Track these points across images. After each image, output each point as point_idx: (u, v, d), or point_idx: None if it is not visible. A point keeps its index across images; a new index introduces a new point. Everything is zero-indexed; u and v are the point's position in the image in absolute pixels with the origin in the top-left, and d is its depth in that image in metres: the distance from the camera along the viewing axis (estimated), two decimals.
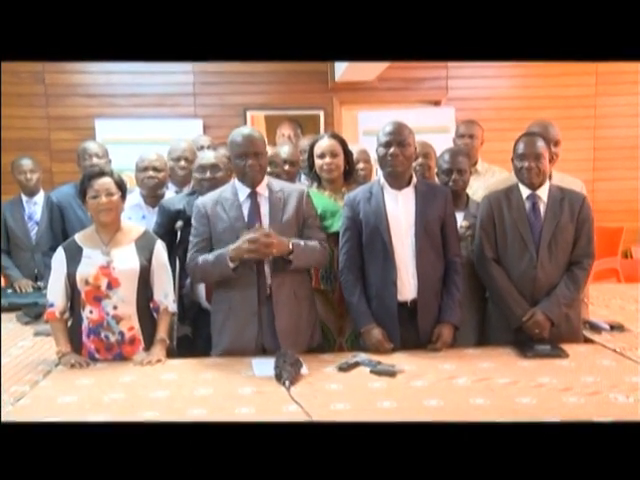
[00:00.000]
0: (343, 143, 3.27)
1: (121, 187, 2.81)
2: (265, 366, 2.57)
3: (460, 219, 3.07)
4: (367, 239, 2.89)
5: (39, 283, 4.16)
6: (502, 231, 2.96)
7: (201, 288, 3.20)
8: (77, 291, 2.77)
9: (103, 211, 2.76)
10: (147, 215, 3.63)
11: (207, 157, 3.32)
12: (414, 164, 3.12)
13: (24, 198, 4.56)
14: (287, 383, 2.40)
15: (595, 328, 3.20)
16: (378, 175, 3.17)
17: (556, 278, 2.90)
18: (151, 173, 3.64)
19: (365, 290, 2.90)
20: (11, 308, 3.82)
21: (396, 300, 2.84)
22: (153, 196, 3.66)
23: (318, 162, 3.24)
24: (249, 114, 6.56)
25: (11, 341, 3.19)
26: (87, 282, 2.74)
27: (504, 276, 2.93)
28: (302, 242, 2.79)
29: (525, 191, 2.95)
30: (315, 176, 3.32)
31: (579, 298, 3.01)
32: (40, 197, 4.56)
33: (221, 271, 2.73)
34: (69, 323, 2.84)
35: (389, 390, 2.40)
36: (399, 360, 2.69)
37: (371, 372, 2.58)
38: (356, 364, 2.65)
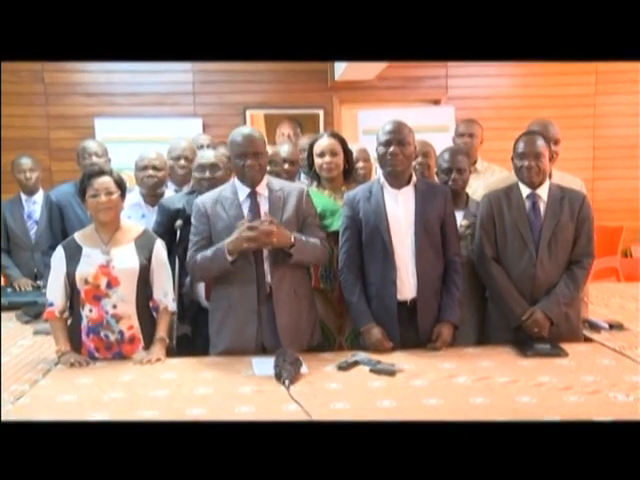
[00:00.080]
0: (343, 142, 3.27)
1: (120, 186, 2.81)
2: (265, 365, 2.57)
3: (460, 218, 3.07)
4: (367, 238, 2.89)
5: (39, 282, 4.15)
6: (502, 230, 2.96)
7: (201, 287, 3.20)
8: (77, 290, 2.77)
9: (102, 210, 2.76)
10: (147, 214, 3.63)
11: (207, 157, 3.32)
12: (414, 163, 3.12)
13: (23, 197, 4.56)
14: (287, 382, 2.40)
15: (594, 327, 3.20)
16: (378, 174, 3.18)
17: (556, 277, 2.90)
18: (151, 172, 3.63)
19: (365, 289, 2.90)
20: (11, 307, 3.82)
21: (396, 299, 2.84)
22: (153, 195, 3.66)
23: (318, 161, 3.24)
24: (249, 113, 6.56)
25: (11, 340, 3.19)
26: (87, 281, 2.74)
27: (504, 275, 2.93)
28: (304, 237, 2.79)
29: (525, 190, 2.95)
30: (315, 175, 3.32)
31: (579, 297, 3.01)
32: (39, 196, 4.56)
33: (219, 265, 2.73)
34: (69, 322, 2.84)
35: (389, 389, 2.40)
36: (399, 359, 2.69)
37: (371, 371, 2.58)
38: (356, 363, 2.66)
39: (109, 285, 2.75)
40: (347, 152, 3.27)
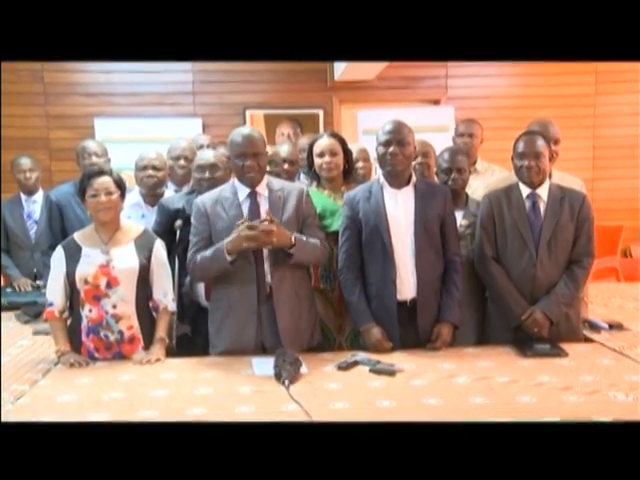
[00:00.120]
0: (342, 142, 3.27)
1: (120, 186, 2.81)
2: (265, 365, 2.57)
3: (459, 218, 3.07)
4: (366, 238, 2.89)
5: (38, 282, 4.15)
6: (502, 230, 2.96)
7: (200, 287, 3.20)
8: (76, 290, 2.76)
9: (102, 210, 2.76)
10: (146, 214, 3.63)
11: (206, 157, 3.31)
12: (413, 163, 3.12)
13: (23, 197, 4.56)
14: (286, 382, 2.40)
15: (594, 327, 3.20)
16: (377, 174, 3.18)
17: (555, 277, 2.90)
18: (150, 172, 3.63)
19: (364, 289, 2.90)
20: (10, 307, 3.82)
21: (395, 299, 2.84)
22: (152, 195, 3.66)
23: (317, 161, 3.24)
24: (248, 113, 6.56)
25: (10, 340, 3.18)
26: (86, 281, 2.74)
27: (504, 275, 2.93)
28: (304, 237, 2.78)
29: (525, 190, 2.95)
30: (314, 175, 3.32)
31: (579, 297, 3.01)
32: (39, 196, 4.56)
33: (219, 265, 2.73)
34: (68, 322, 2.84)
35: (388, 389, 2.40)
36: (398, 359, 2.69)
37: (370, 371, 2.58)
38: (355, 363, 2.66)
39: (109, 285, 2.75)
40: (347, 152, 3.27)
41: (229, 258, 2.68)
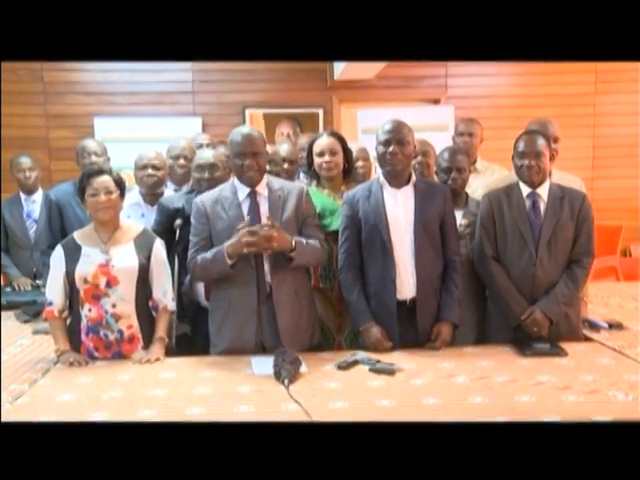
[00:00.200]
0: (342, 141, 3.26)
1: (120, 185, 2.81)
2: (264, 364, 2.57)
3: (459, 217, 3.07)
4: (366, 237, 2.89)
5: (38, 281, 4.15)
6: (502, 229, 2.96)
7: (200, 286, 3.20)
8: (76, 289, 2.76)
9: (102, 209, 2.75)
10: (146, 213, 3.63)
11: (205, 157, 3.31)
12: (413, 162, 3.12)
13: (23, 196, 4.55)
14: (286, 381, 2.39)
15: (594, 326, 3.20)
16: (377, 173, 3.17)
17: (555, 276, 2.90)
18: (150, 171, 3.63)
19: (364, 288, 2.90)
20: (10, 306, 3.82)
21: (395, 298, 2.84)
22: (152, 194, 3.66)
23: (317, 160, 3.24)
24: (248, 112, 6.55)
25: (10, 339, 3.18)
26: (86, 280, 2.74)
27: (503, 274, 2.93)
28: (304, 240, 2.78)
29: (525, 189, 2.95)
30: (314, 174, 3.32)
31: (578, 297, 3.01)
32: (39, 195, 4.55)
33: (220, 268, 2.73)
34: (68, 321, 2.84)
35: (388, 388, 2.40)
36: (398, 358, 2.69)
37: (370, 370, 2.58)
38: (355, 362, 2.66)
39: (108, 284, 2.75)
40: (346, 151, 3.27)
41: (229, 262, 2.69)
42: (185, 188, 3.69)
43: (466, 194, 3.25)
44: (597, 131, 6.82)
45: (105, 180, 2.76)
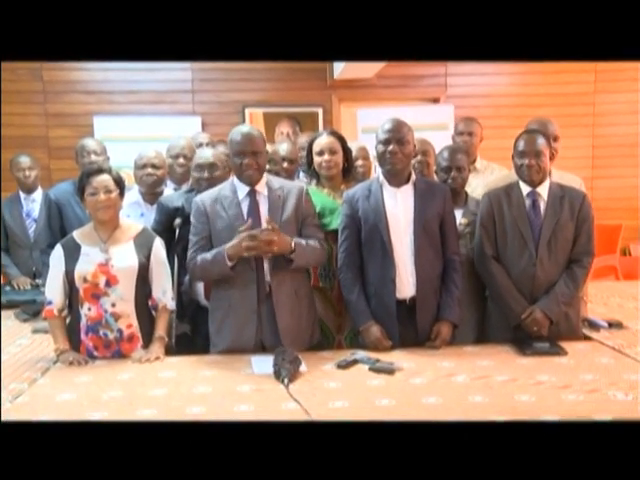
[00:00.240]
0: (342, 140, 3.26)
1: (119, 184, 2.81)
2: (264, 364, 2.57)
3: (459, 217, 3.07)
4: (366, 237, 2.89)
5: (37, 280, 4.15)
6: (502, 229, 2.96)
7: (200, 286, 3.20)
8: (75, 289, 2.76)
9: (101, 208, 2.75)
10: (146, 212, 3.63)
11: (205, 157, 3.30)
12: (413, 161, 3.11)
13: (22, 195, 4.55)
14: (286, 381, 2.39)
15: (593, 326, 3.20)
16: (377, 172, 3.17)
17: (555, 276, 2.90)
18: (150, 170, 3.63)
19: (364, 288, 2.90)
20: (9, 305, 3.82)
21: (395, 298, 2.84)
22: (152, 193, 3.66)
23: (317, 159, 3.23)
24: (247, 111, 6.55)
25: (9, 339, 3.18)
26: (85, 280, 2.74)
27: (503, 274, 2.93)
28: (303, 241, 2.78)
29: (525, 188, 2.95)
30: (314, 173, 3.32)
31: (578, 296, 3.01)
32: (38, 194, 4.55)
33: (220, 269, 2.73)
34: (67, 321, 2.84)
35: (388, 388, 2.40)
36: (398, 358, 2.69)
37: (370, 370, 2.58)
38: (355, 362, 2.65)
39: (108, 283, 2.75)
40: (346, 150, 3.27)
41: (229, 264, 2.69)
42: (185, 187, 3.69)
43: (466, 193, 3.24)
44: (597, 130, 6.82)
45: (104, 179, 2.75)
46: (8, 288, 4.19)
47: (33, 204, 4.54)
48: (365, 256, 2.91)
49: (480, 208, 3.04)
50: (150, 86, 6.45)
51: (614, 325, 3.22)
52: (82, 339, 2.78)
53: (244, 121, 6.39)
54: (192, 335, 3.24)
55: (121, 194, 2.83)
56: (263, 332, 2.78)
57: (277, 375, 2.45)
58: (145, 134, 6.07)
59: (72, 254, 2.77)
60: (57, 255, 2.79)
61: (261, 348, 2.78)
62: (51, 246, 3.00)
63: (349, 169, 3.31)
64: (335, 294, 3.14)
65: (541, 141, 2.90)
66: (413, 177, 2.91)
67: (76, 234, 2.85)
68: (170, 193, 3.66)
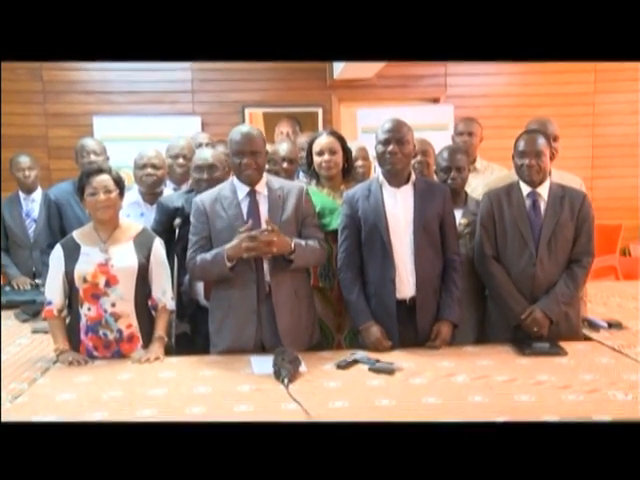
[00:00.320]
0: (342, 140, 3.26)
1: (119, 184, 2.81)
2: (264, 364, 2.57)
3: (459, 217, 3.07)
4: (366, 237, 2.89)
5: (37, 280, 4.14)
6: (502, 228, 2.96)
7: (199, 286, 3.20)
8: (75, 288, 2.76)
9: (101, 208, 2.75)
10: (145, 212, 3.63)
11: (204, 157, 3.28)
12: (413, 161, 3.11)
13: (22, 195, 4.55)
14: (286, 381, 2.39)
15: (593, 326, 3.20)
16: (377, 172, 3.17)
17: (555, 276, 2.90)
18: (149, 170, 3.63)
19: (364, 288, 2.90)
20: (9, 306, 3.82)
21: (395, 298, 2.84)
22: (151, 193, 3.66)
23: (317, 159, 3.23)
24: (247, 111, 6.55)
25: (9, 339, 3.18)
26: (85, 280, 2.74)
27: (503, 273, 2.93)
28: (303, 242, 2.78)
29: (525, 189, 2.95)
30: (314, 173, 3.32)
31: (578, 296, 3.01)
32: (38, 194, 4.55)
33: (219, 270, 2.73)
34: (67, 321, 2.84)
35: (387, 388, 2.40)
36: (398, 358, 2.69)
37: (370, 370, 2.58)
38: (355, 362, 2.65)
39: (108, 284, 2.74)
40: (346, 150, 3.27)
41: (229, 264, 2.68)
42: (184, 187, 3.69)
43: (465, 193, 3.24)
44: (596, 130, 6.82)
45: (104, 179, 2.75)
46: (8, 288, 4.19)
47: (33, 204, 4.54)
48: (365, 256, 2.90)
49: (480, 208, 3.04)
50: (150, 86, 6.45)
51: (614, 325, 3.21)
52: (82, 339, 2.78)
53: (244, 121, 6.39)
54: (192, 335, 3.24)
55: (121, 194, 2.82)
56: (263, 332, 2.78)
57: (277, 375, 2.45)
58: (145, 134, 6.07)
59: (72, 254, 2.77)
60: (57, 255, 2.79)
61: (261, 348, 2.78)
62: (51, 246, 3.00)
63: (349, 169, 3.31)
64: (335, 294, 3.14)
65: (541, 141, 2.90)
66: (413, 177, 2.91)
67: (76, 234, 2.85)
68: (170, 193, 3.66)
